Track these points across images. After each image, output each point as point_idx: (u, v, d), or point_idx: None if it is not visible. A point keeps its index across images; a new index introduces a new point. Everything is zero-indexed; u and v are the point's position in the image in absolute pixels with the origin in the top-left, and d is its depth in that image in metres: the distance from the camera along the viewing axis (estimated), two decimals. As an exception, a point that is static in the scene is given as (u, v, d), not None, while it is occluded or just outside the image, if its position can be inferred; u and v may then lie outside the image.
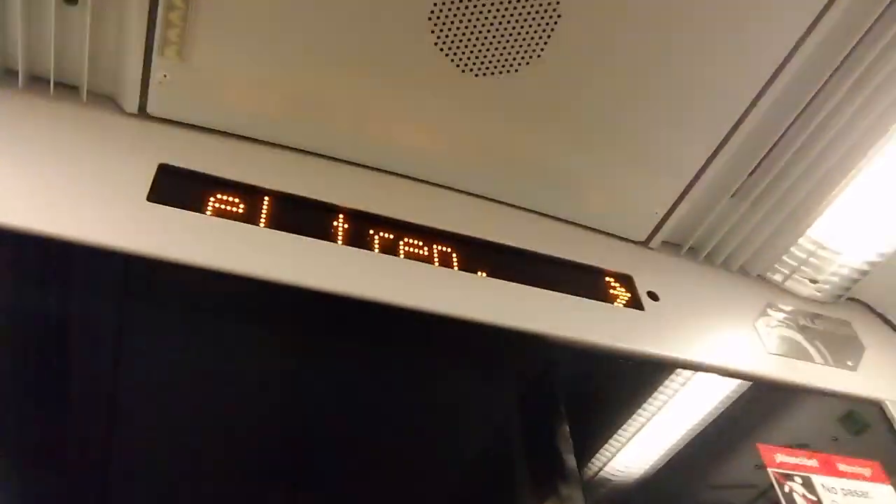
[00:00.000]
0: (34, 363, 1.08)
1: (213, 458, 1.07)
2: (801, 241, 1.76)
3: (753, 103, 1.51)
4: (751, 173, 1.66)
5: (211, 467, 1.06)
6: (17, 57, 1.30)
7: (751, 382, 1.56)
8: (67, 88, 1.37)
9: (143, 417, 1.08)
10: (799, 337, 1.72)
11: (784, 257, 1.80)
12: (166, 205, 1.26)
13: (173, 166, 1.33)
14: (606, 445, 1.34)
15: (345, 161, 1.54)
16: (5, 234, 1.12)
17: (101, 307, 1.17)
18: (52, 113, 1.32)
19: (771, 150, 1.62)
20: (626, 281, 1.63)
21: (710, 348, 1.57)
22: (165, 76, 1.34)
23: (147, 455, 1.03)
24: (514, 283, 1.48)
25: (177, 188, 1.29)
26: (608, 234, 1.74)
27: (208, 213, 1.29)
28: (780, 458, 1.42)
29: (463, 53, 1.38)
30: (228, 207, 1.31)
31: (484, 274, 1.47)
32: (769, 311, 1.76)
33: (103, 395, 1.08)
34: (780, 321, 1.74)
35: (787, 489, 1.36)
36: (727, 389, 1.54)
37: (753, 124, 1.54)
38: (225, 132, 1.45)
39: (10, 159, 1.21)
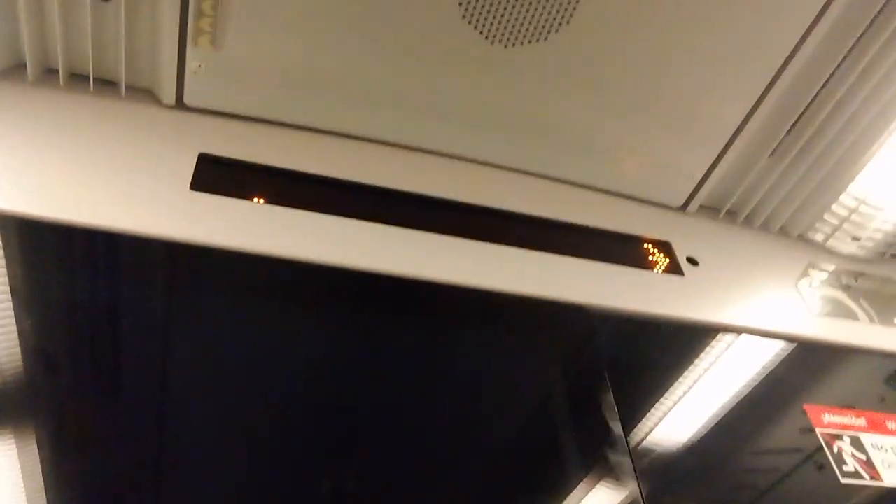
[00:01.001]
0: (86, 353, 1.12)
1: (264, 443, 1.10)
2: (842, 198, 1.74)
3: (788, 59, 1.48)
4: (788, 131, 1.63)
5: (263, 451, 1.09)
6: (58, 56, 1.33)
7: (795, 344, 1.55)
8: (106, 84, 1.40)
9: (194, 403, 1.11)
10: (843, 296, 1.70)
11: (825, 216, 1.78)
12: (209, 193, 1.28)
13: (213, 155, 1.35)
14: (651, 412, 1.34)
15: (381, 142, 1.55)
16: (55, 228, 1.16)
17: (150, 296, 1.21)
18: (93, 109, 1.36)
19: (808, 106, 1.59)
20: (665, 247, 1.62)
21: (753, 311, 1.56)
22: (200, 66, 1.36)
23: (198, 441, 1.06)
24: (552, 254, 1.49)
25: (218, 176, 1.32)
26: (644, 200, 1.74)
27: (250, 199, 1.31)
28: (828, 418, 1.41)
29: (491, 24, 1.37)
30: (270, 193, 1.33)
31: (520, 247, 1.47)
32: (811, 271, 1.74)
33: (154, 383, 1.11)
34: (822, 281, 1.72)
35: (835, 449, 1.35)
36: (771, 352, 1.54)
37: (789, 81, 1.52)
38: (261, 119, 1.47)
39: (56, 156, 1.25)
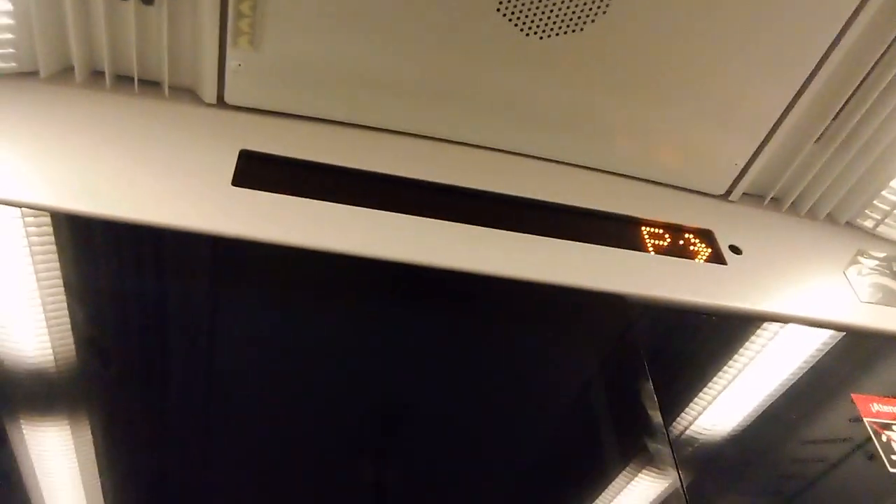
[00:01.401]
0: (134, 346, 1.16)
1: (307, 433, 1.12)
2: (892, 183, 1.69)
3: (833, 44, 1.45)
4: (835, 117, 1.59)
5: (305, 441, 1.11)
6: (104, 59, 1.38)
7: (843, 333, 1.51)
8: (150, 85, 1.44)
9: (238, 393, 1.14)
10: (893, 283, 1.65)
11: (875, 202, 1.73)
12: (250, 188, 1.31)
13: (254, 151, 1.38)
14: (692, 402, 1.32)
15: (418, 135, 1.56)
16: (105, 224, 1.20)
17: (194, 288, 1.25)
18: (137, 109, 1.40)
19: (856, 90, 1.55)
20: (707, 236, 1.60)
21: (798, 299, 1.53)
22: (240, 65, 1.39)
23: (243, 433, 1.09)
24: (592, 245, 1.48)
25: (259, 172, 1.35)
26: (687, 189, 1.71)
27: (290, 194, 1.33)
28: (877, 407, 1.37)
29: (526, 16, 1.37)
30: (309, 188, 1.36)
31: (562, 237, 1.47)
32: (860, 258, 1.70)
33: (199, 373, 1.15)
34: (872, 268, 1.67)
35: (884, 438, 1.32)
36: (818, 341, 1.50)
37: (834, 66, 1.48)
38: (300, 115, 1.49)
39: (104, 155, 1.29)
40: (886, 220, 1.74)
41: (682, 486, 1.17)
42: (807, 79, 1.51)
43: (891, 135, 1.59)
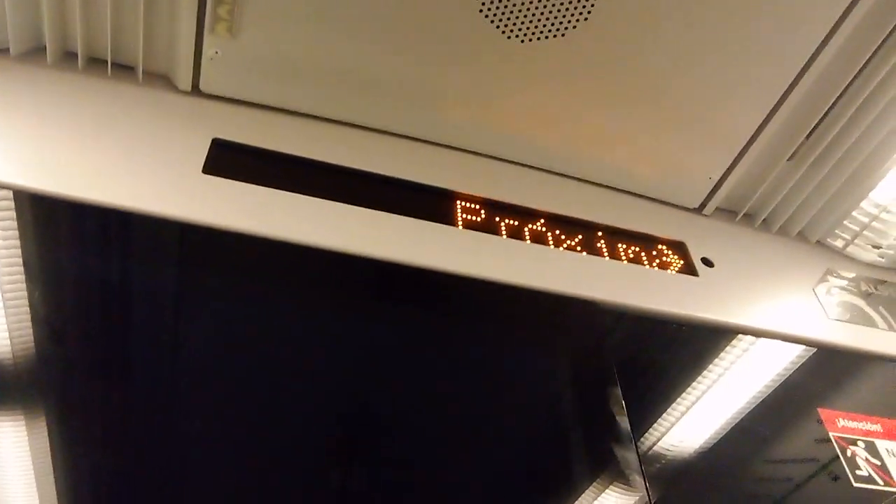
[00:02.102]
0: (95, 332, 1.13)
1: (270, 427, 1.09)
2: (862, 204, 1.70)
3: (810, 62, 1.47)
4: (808, 135, 1.61)
5: (269, 435, 1.08)
6: (76, 40, 1.35)
7: (811, 348, 1.52)
8: (124, 69, 1.42)
9: (202, 385, 1.11)
10: (861, 303, 1.67)
11: (845, 222, 1.75)
12: (220, 177, 1.29)
13: (226, 140, 1.37)
14: (660, 410, 1.32)
15: (394, 134, 1.55)
16: (70, 205, 1.18)
17: (160, 274, 1.22)
18: (110, 93, 1.37)
19: (829, 110, 1.57)
20: (679, 247, 1.61)
21: (768, 314, 1.53)
22: (217, 53, 1.37)
23: (205, 422, 1.06)
24: (566, 251, 1.48)
25: (230, 161, 1.33)
26: (661, 201, 1.72)
27: (261, 184, 1.32)
28: (843, 422, 1.38)
29: (509, 20, 1.37)
30: (281, 179, 1.34)
31: (535, 242, 1.46)
32: (829, 277, 1.71)
33: (163, 363, 1.12)
34: (841, 287, 1.69)
35: (849, 453, 1.32)
36: (787, 355, 1.51)
37: (810, 84, 1.50)
38: (275, 107, 1.48)
39: (73, 136, 1.27)
40: (856, 241, 1.76)
41: (648, 496, 1.16)
42: (782, 96, 1.52)
43: (862, 156, 1.62)
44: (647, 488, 1.17)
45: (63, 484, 0.92)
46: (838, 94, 1.53)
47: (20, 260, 1.11)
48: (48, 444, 0.95)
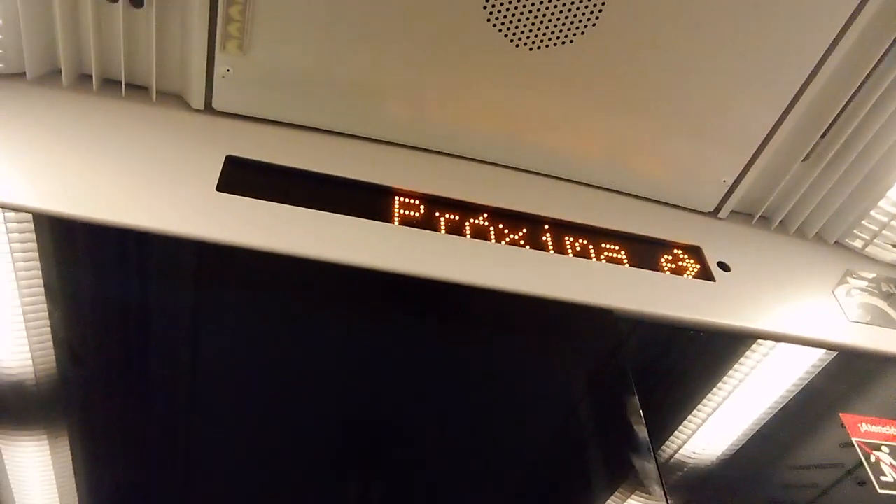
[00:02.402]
0: (115, 349, 1.14)
1: (288, 443, 1.10)
2: (881, 203, 1.68)
3: (822, 60, 1.45)
4: (823, 135, 1.59)
5: (287, 451, 1.09)
6: (91, 62, 1.37)
7: (832, 352, 1.50)
8: (138, 89, 1.43)
9: (220, 401, 1.12)
10: (882, 304, 1.64)
11: (863, 222, 1.73)
12: (235, 194, 1.30)
13: (240, 157, 1.38)
14: (678, 418, 1.31)
15: (406, 146, 1.56)
16: (87, 226, 1.19)
17: (177, 293, 1.23)
18: (124, 113, 1.39)
19: (844, 108, 1.55)
20: (695, 252, 1.60)
21: (786, 318, 1.52)
22: (228, 71, 1.38)
23: (224, 437, 1.07)
24: (580, 259, 1.48)
25: (244, 178, 1.34)
26: (675, 206, 1.71)
27: (275, 200, 1.33)
28: (866, 427, 1.36)
29: (516, 28, 1.37)
30: (295, 195, 1.35)
31: (549, 250, 1.46)
32: (849, 278, 1.69)
33: (181, 380, 1.13)
34: (861, 288, 1.67)
35: (873, 459, 1.30)
36: (807, 360, 1.49)
37: (823, 82, 1.48)
38: (288, 123, 1.49)
39: (89, 157, 1.28)
40: (875, 241, 1.74)
41: (667, 501, 1.15)
42: (795, 96, 1.51)
43: (879, 153, 1.60)
44: (666, 498, 1.16)
45: (85, 499, 0.93)
46: (853, 92, 1.52)
47: (41, 282, 1.12)
48: (71, 463, 0.96)
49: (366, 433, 1.14)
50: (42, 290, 1.12)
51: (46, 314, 1.09)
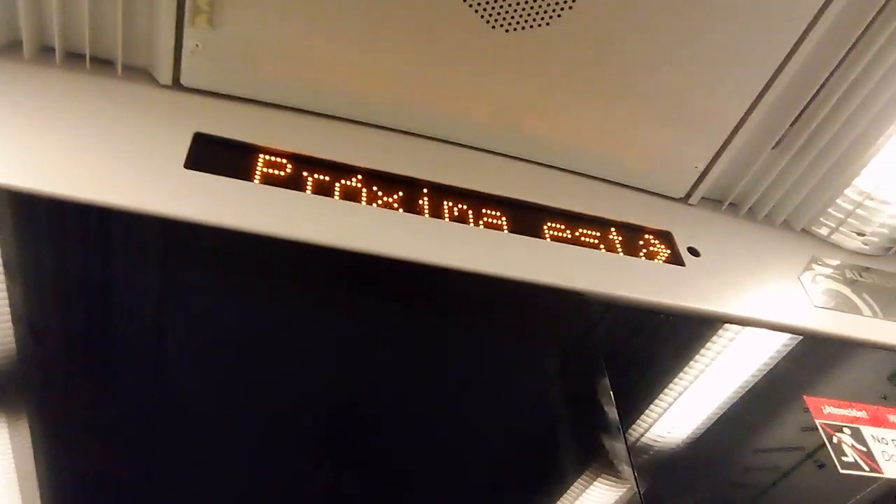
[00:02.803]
0: (77, 328, 1.12)
1: (258, 424, 1.08)
2: (847, 192, 1.72)
3: (794, 49, 1.47)
4: (792, 123, 1.61)
5: (255, 432, 1.08)
6: (54, 34, 1.33)
7: (797, 336, 1.53)
8: (103, 63, 1.39)
9: (187, 382, 1.10)
10: (847, 290, 1.68)
11: (829, 210, 1.76)
12: (203, 171, 1.28)
13: (208, 135, 1.35)
14: (648, 400, 1.32)
15: (376, 125, 1.54)
16: (50, 202, 1.16)
17: (142, 271, 1.20)
18: (89, 87, 1.35)
19: (813, 97, 1.57)
20: (666, 237, 1.61)
21: (754, 302, 1.54)
22: (197, 45, 1.35)
23: (190, 420, 1.05)
24: (552, 242, 1.48)
25: (212, 156, 1.31)
26: (646, 191, 1.72)
27: (243, 178, 1.31)
28: (829, 409, 1.39)
29: (493, 8, 1.36)
30: (264, 172, 1.33)
31: (520, 234, 1.46)
32: (814, 265, 1.72)
33: (147, 359, 1.11)
34: (826, 275, 1.70)
35: (835, 440, 1.33)
36: (772, 344, 1.52)
37: (794, 72, 1.50)
38: (257, 100, 1.46)
39: (52, 132, 1.24)
40: (841, 228, 1.77)
41: (637, 486, 1.16)
42: (766, 84, 1.52)
43: (847, 142, 1.62)
44: (636, 479, 1.17)
45: (46, 485, 0.91)
46: (823, 81, 1.54)
47: (0, 260, 1.09)
48: (30, 444, 0.93)
49: (338, 416, 1.13)
50: (0, 267, 1.08)
51: (5, 292, 1.06)
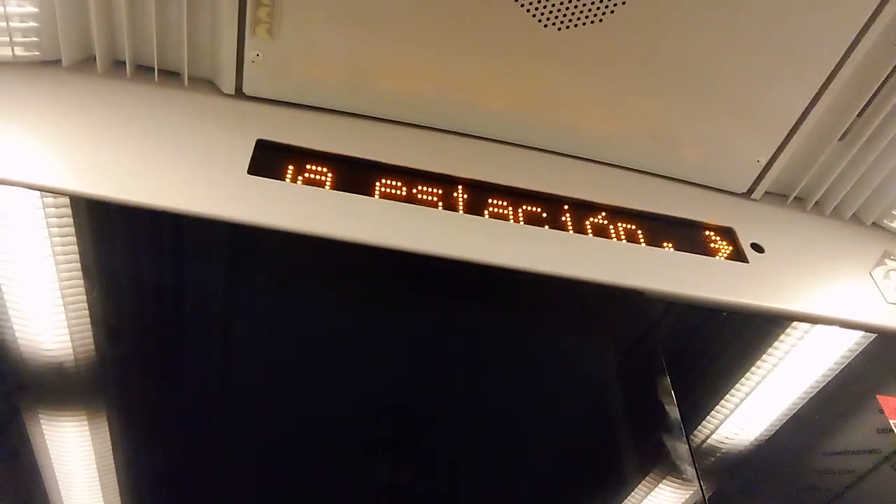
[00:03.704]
0: (150, 329, 1.16)
1: (321, 422, 1.12)
2: (920, 183, 1.65)
3: (858, 37, 1.42)
4: (859, 114, 1.56)
5: (319, 430, 1.11)
6: (124, 49, 1.39)
7: (869, 334, 1.48)
8: (170, 75, 1.45)
9: (253, 380, 1.14)
10: (922, 285, 1.61)
11: (902, 202, 1.69)
12: (265, 177, 1.32)
13: (270, 141, 1.39)
14: (712, 400, 1.30)
15: (435, 129, 1.56)
16: (123, 209, 1.21)
17: (210, 275, 1.25)
18: (157, 98, 1.41)
19: (881, 87, 1.52)
20: (728, 234, 1.58)
21: (822, 299, 1.49)
22: (258, 55, 1.39)
23: (258, 421, 1.09)
24: (612, 240, 1.47)
25: (274, 161, 1.35)
26: (708, 187, 1.69)
27: (304, 183, 1.34)
28: (904, 409, 1.34)
29: (545, 7, 1.36)
30: (323, 178, 1.36)
31: (581, 232, 1.46)
32: (887, 260, 1.66)
33: (215, 359, 1.15)
34: (900, 270, 1.64)
35: (911, 441, 1.28)
36: (843, 342, 1.47)
37: (859, 59, 1.45)
38: (317, 107, 1.50)
39: (124, 142, 1.30)
40: (914, 221, 1.70)
41: (701, 489, 1.14)
42: (830, 74, 1.48)
43: (918, 132, 1.56)
44: (700, 481, 1.15)
45: (124, 479, 0.96)
46: (890, 70, 1.48)
47: (78, 264, 1.15)
48: (110, 443, 0.98)
49: (400, 416, 1.15)
50: (80, 271, 1.14)
51: (84, 295, 1.11)
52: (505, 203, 1.45)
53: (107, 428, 1.00)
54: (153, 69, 1.42)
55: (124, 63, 1.41)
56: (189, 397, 1.10)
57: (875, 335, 1.48)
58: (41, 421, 0.98)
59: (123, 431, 1.01)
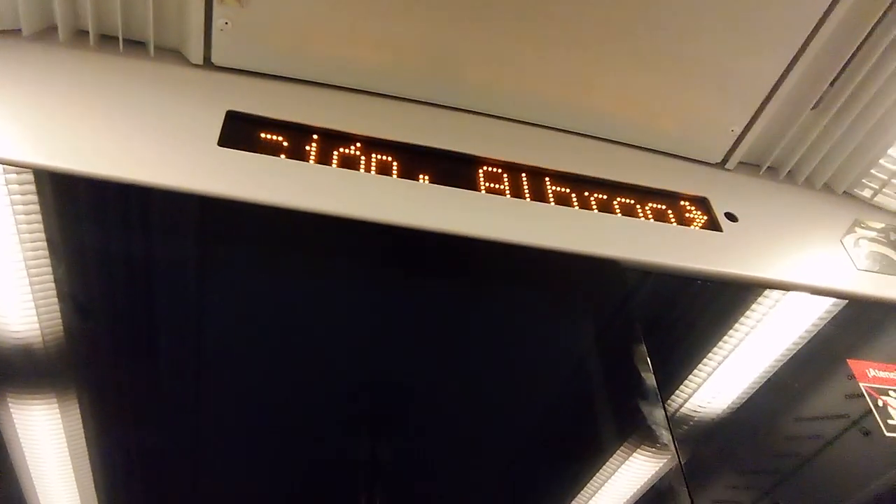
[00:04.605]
0: (118, 304, 1.14)
1: (295, 399, 1.10)
2: (890, 151, 1.67)
3: (831, 6, 1.42)
4: (832, 83, 1.57)
5: (293, 403, 1.10)
6: (87, 17, 1.35)
7: (840, 301, 1.50)
8: (136, 45, 1.41)
9: (225, 355, 1.12)
10: (891, 252, 1.63)
11: (872, 171, 1.71)
12: (236, 149, 1.29)
13: (240, 112, 1.36)
14: (687, 367, 1.31)
15: (409, 99, 1.54)
16: (89, 182, 1.18)
17: (178, 246, 1.23)
18: (122, 69, 1.37)
19: (852, 57, 1.53)
20: (702, 203, 1.58)
21: (794, 267, 1.51)
22: (227, 23, 1.36)
23: (230, 394, 1.08)
24: (587, 210, 1.46)
25: (245, 133, 1.33)
26: (682, 157, 1.69)
27: (275, 154, 1.32)
28: (873, 372, 1.36)
29: (521, -25, 1.35)
30: (296, 149, 1.34)
31: (556, 203, 1.45)
32: (857, 228, 1.68)
33: (186, 333, 1.13)
34: (869, 238, 1.66)
35: (880, 403, 1.31)
36: (815, 308, 1.49)
37: (830, 31, 1.46)
38: (287, 77, 1.47)
39: (88, 114, 1.27)
40: (884, 190, 1.72)
41: (678, 456, 1.15)
42: (803, 44, 1.48)
43: (888, 101, 1.57)
44: (676, 448, 1.16)
45: (97, 460, 0.94)
46: (862, 39, 1.49)
47: (44, 238, 1.12)
48: (80, 421, 0.97)
49: (377, 388, 1.14)
50: (46, 248, 1.11)
51: (51, 273, 1.08)
52: (482, 174, 1.44)
53: (77, 409, 0.98)
54: (118, 38, 1.38)
55: (87, 33, 1.37)
56: (162, 375, 1.08)
57: (846, 301, 1.51)
58: (9, 404, 0.96)
59: (94, 412, 0.99)
